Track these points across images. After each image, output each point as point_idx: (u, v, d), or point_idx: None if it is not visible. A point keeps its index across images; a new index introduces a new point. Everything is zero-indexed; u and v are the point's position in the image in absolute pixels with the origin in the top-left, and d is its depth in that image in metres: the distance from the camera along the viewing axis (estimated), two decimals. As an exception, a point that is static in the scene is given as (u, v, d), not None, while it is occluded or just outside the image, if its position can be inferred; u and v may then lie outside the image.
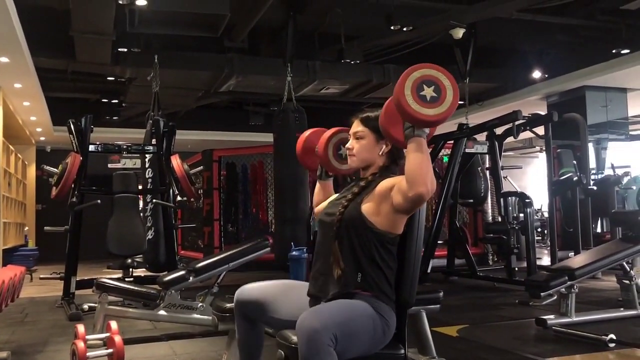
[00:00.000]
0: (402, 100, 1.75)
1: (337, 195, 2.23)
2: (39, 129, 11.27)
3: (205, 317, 3.87)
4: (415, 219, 2.04)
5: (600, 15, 8.05)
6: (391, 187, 1.91)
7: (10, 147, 9.64)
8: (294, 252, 5.89)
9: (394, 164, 2.09)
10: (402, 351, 2.02)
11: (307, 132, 2.51)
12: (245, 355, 2.18)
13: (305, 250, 5.97)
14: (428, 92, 1.76)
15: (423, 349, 2.96)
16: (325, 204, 2.25)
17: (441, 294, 2.99)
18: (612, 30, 8.45)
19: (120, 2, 6.24)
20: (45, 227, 5.54)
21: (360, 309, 1.87)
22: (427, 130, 1.82)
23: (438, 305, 2.99)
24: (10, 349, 3.63)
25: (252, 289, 2.11)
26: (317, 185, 2.42)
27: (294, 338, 1.83)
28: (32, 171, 12.30)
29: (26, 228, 11.28)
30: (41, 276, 5.80)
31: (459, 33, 7.95)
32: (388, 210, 1.93)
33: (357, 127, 2.11)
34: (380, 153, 2.08)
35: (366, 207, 1.97)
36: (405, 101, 1.75)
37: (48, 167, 5.50)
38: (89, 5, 6.39)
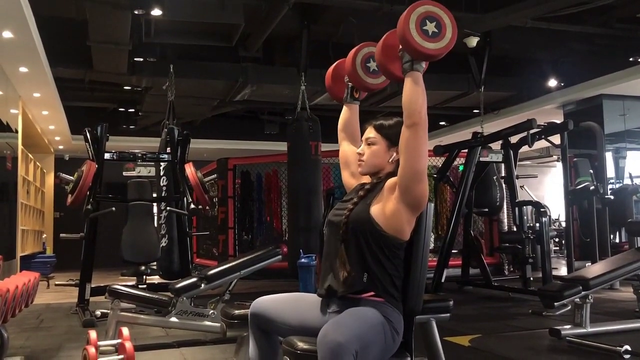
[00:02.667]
0: (407, 33, 1.86)
1: (344, 197, 2.23)
2: (57, 138, 11.44)
3: (217, 324, 3.88)
4: (422, 226, 2.03)
5: (617, 23, 7.99)
6: (396, 182, 1.93)
7: (30, 155, 9.79)
8: (302, 260, 5.71)
9: None
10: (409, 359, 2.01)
11: (336, 62, 2.48)
12: None
13: (314, 257, 5.85)
14: (430, 27, 1.89)
15: (433, 359, 2.93)
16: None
17: (451, 302, 2.96)
18: (628, 39, 8.38)
19: (137, 12, 6.35)
20: (60, 235, 5.60)
21: (372, 318, 1.87)
22: (424, 64, 1.94)
23: (448, 314, 2.95)
24: (24, 354, 3.67)
25: (265, 301, 2.12)
26: (344, 108, 2.39)
27: (300, 344, 1.84)
28: (50, 179, 12.45)
29: (44, 235, 11.42)
30: (57, 282, 5.86)
31: (473, 42, 7.95)
32: (394, 208, 1.93)
33: (370, 133, 2.12)
34: (389, 160, 2.08)
35: (375, 209, 1.97)
36: (410, 34, 1.86)
37: (64, 175, 5.57)
38: (106, 16, 6.51)
